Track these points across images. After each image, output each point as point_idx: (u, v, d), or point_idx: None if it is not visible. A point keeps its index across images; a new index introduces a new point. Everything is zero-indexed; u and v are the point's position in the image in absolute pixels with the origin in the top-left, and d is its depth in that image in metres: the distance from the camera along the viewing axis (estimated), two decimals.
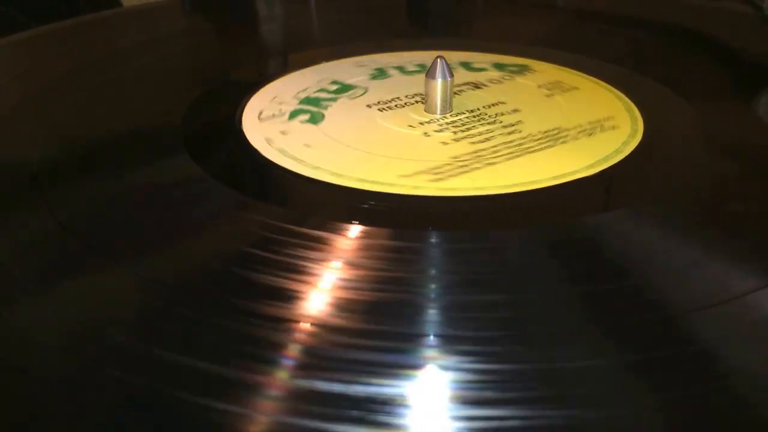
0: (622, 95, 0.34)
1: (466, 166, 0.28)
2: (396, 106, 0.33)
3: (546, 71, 0.38)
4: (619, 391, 0.18)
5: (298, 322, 0.20)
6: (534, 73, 0.37)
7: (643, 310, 0.20)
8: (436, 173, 0.27)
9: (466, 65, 0.38)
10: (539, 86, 0.36)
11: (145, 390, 0.18)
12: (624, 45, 0.42)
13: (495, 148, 0.29)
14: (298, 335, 0.19)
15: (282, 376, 0.18)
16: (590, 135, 0.31)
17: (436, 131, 0.31)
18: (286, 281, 0.21)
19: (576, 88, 0.35)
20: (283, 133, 0.31)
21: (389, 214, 0.25)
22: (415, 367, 0.18)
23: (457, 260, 0.23)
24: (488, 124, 0.32)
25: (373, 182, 0.27)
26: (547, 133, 0.31)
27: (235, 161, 0.30)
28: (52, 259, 0.23)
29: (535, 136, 0.30)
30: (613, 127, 0.31)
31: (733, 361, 0.19)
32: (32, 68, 0.38)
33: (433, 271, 0.22)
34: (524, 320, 0.20)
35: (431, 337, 0.19)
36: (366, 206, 0.26)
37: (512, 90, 0.35)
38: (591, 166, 0.28)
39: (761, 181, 0.28)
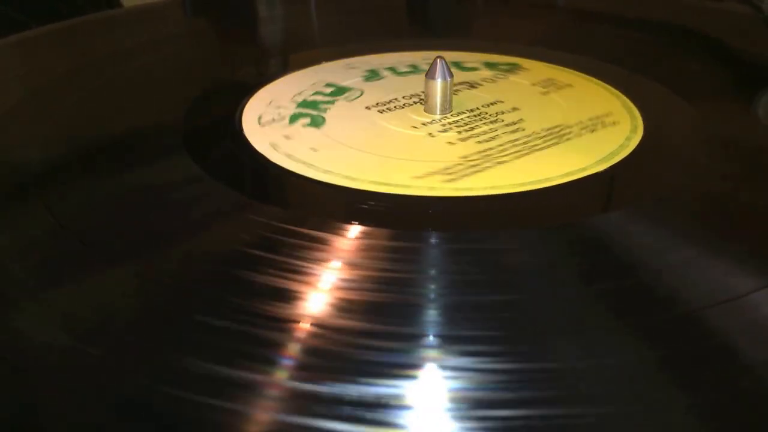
0: (616, 91, 0.35)
1: (477, 165, 0.28)
2: (395, 107, 0.33)
3: (537, 69, 0.38)
4: (620, 391, 0.18)
5: (298, 322, 0.20)
6: (526, 72, 0.37)
7: (648, 309, 0.20)
8: (449, 173, 0.27)
9: (458, 65, 0.38)
10: (533, 84, 0.36)
11: (145, 390, 0.18)
12: (623, 45, 0.42)
13: (502, 147, 0.29)
14: (298, 335, 0.19)
15: (282, 377, 0.18)
16: (593, 131, 0.31)
17: (440, 131, 0.31)
18: (286, 282, 0.21)
19: (570, 86, 0.36)
20: (287, 137, 0.30)
21: (401, 214, 0.25)
22: (416, 367, 0.18)
23: (470, 260, 0.22)
24: (491, 123, 0.32)
25: (387, 184, 0.27)
26: (550, 130, 0.31)
27: (235, 162, 0.30)
28: (52, 259, 0.23)
29: (539, 133, 0.31)
30: (614, 123, 0.31)
31: (734, 361, 0.19)
32: (32, 68, 0.38)
33: (446, 271, 0.22)
34: (529, 319, 0.20)
35: (431, 338, 0.19)
36: (370, 206, 0.26)
37: (508, 89, 0.35)
38: (600, 161, 0.28)
39: (762, 181, 0.28)
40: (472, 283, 0.21)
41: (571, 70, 0.37)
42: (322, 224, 0.24)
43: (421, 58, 0.39)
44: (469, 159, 0.28)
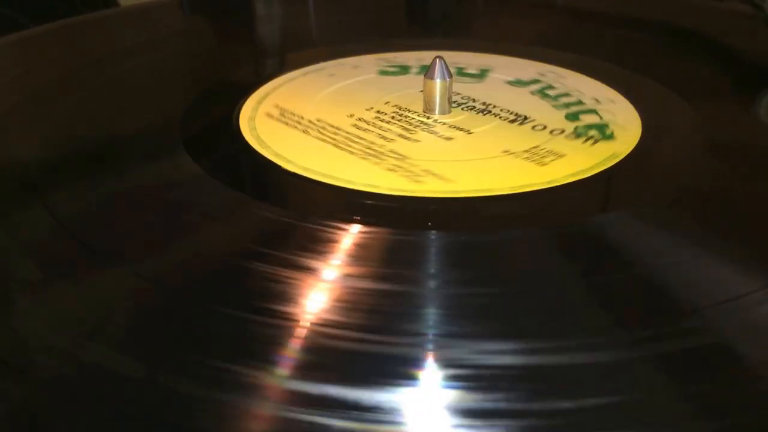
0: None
1: (305, 127, 0.31)
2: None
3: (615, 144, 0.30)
4: (619, 390, 0.18)
5: (297, 321, 0.20)
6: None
7: (641, 311, 0.20)
8: (284, 116, 0.32)
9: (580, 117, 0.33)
10: (532, 148, 0.30)
11: (145, 390, 0.18)
12: (624, 45, 0.42)
13: (356, 142, 0.30)
14: (297, 335, 0.19)
15: (281, 376, 0.18)
16: (391, 169, 0.28)
17: (377, 111, 0.33)
18: (285, 280, 0.21)
19: (546, 166, 0.29)
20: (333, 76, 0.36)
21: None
22: (415, 366, 0.18)
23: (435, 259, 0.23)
24: (415, 130, 0.31)
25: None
26: (402, 157, 0.29)
27: (233, 160, 0.30)
28: (52, 259, 0.23)
29: (389, 153, 0.29)
30: (420, 182, 0.27)
31: (733, 361, 0.19)
32: (31, 68, 0.38)
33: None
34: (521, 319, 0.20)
35: (430, 337, 0.19)
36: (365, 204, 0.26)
37: (519, 135, 0.31)
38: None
39: (762, 182, 0.28)
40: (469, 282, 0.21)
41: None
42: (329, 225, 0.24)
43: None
44: (315, 124, 0.32)
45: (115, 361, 0.19)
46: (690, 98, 0.33)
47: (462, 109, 0.33)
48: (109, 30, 0.46)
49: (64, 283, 0.22)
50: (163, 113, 0.33)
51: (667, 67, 0.38)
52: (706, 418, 0.17)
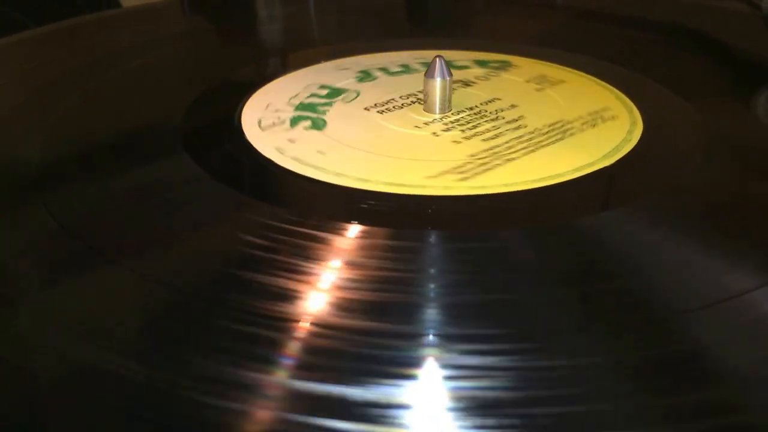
0: (608, 85, 0.35)
1: (487, 163, 0.28)
2: (394, 107, 0.33)
3: (528, 66, 0.38)
4: (617, 391, 0.18)
5: (298, 321, 0.20)
6: (518, 69, 0.38)
7: (643, 309, 0.20)
8: (461, 172, 0.27)
9: (449, 63, 0.37)
10: (527, 81, 0.36)
11: (145, 390, 0.18)
12: (624, 45, 0.42)
13: (508, 144, 0.29)
14: (298, 335, 0.19)
15: (283, 376, 0.18)
16: (594, 126, 0.31)
17: (443, 130, 0.31)
18: (286, 281, 0.21)
19: (563, 81, 0.36)
20: (290, 141, 0.30)
21: (419, 214, 0.25)
22: (415, 366, 0.18)
23: (468, 259, 0.22)
24: (492, 120, 0.31)
25: (401, 185, 0.26)
26: (552, 126, 0.31)
27: (236, 162, 0.29)
28: (52, 259, 0.23)
29: (541, 130, 0.31)
30: (613, 117, 0.32)
31: (731, 360, 0.19)
32: (32, 69, 0.38)
33: (443, 270, 0.22)
34: (526, 319, 0.20)
35: (431, 337, 0.19)
36: (378, 206, 0.25)
37: (502, 86, 0.35)
38: (606, 156, 0.28)
39: (761, 181, 0.28)
40: (484, 282, 0.21)
41: (561, 66, 0.38)
42: (334, 227, 0.23)
43: (412, 57, 0.39)
44: (477, 157, 0.28)
45: (115, 361, 0.18)
46: (690, 98, 0.33)
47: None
48: (110, 30, 0.46)
49: (64, 283, 0.22)
50: (164, 113, 0.32)
51: (666, 67, 0.38)
52: (706, 417, 0.17)
